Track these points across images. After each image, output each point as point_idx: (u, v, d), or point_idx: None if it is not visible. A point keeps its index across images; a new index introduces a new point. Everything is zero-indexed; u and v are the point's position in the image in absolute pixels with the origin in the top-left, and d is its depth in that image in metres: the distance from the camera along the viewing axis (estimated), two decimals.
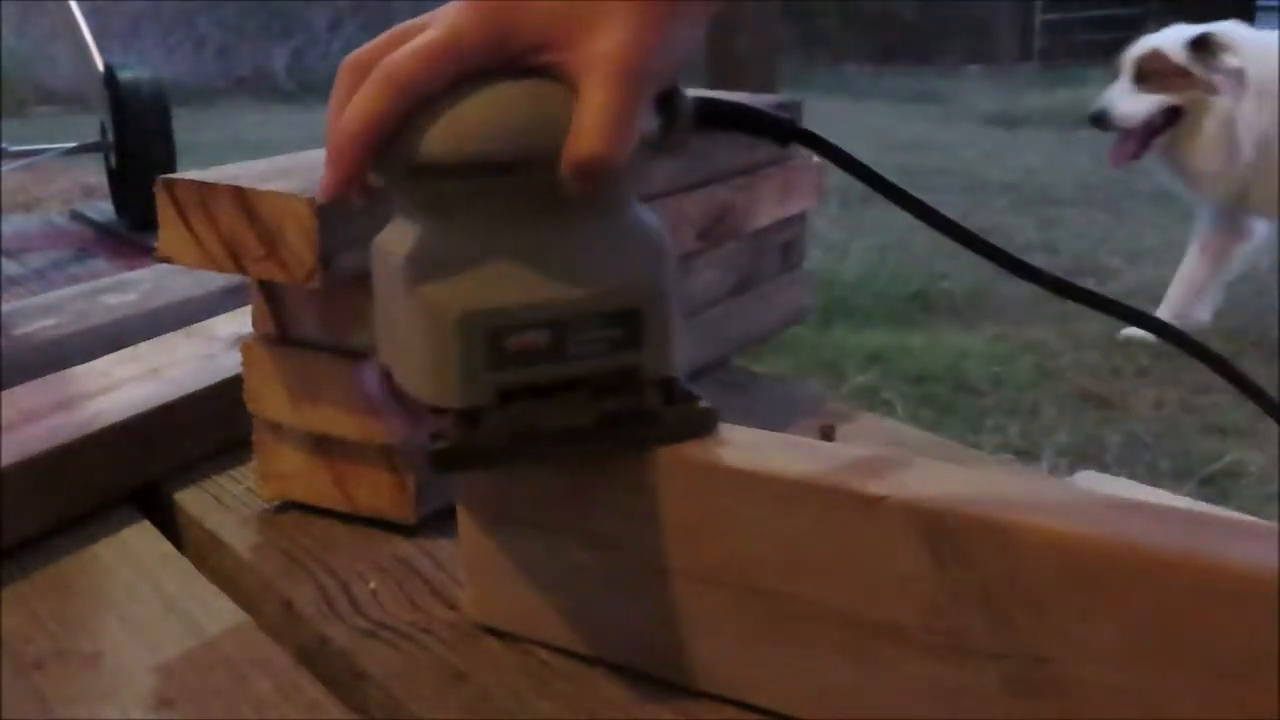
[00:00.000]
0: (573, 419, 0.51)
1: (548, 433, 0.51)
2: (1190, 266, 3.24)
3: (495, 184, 0.49)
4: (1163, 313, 3.09)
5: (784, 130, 0.57)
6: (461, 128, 0.48)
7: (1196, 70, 3.08)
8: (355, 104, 0.48)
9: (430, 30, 0.49)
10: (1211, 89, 3.06)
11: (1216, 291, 3.22)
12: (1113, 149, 3.21)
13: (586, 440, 0.51)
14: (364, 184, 0.51)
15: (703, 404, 0.53)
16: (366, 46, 0.51)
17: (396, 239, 0.52)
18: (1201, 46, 3.08)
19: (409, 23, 0.51)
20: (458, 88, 0.49)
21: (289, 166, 0.69)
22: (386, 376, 0.54)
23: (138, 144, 1.91)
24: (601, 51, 0.48)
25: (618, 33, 0.48)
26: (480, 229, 0.50)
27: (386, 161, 0.49)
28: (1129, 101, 3.12)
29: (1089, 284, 2.86)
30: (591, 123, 0.48)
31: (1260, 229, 3.24)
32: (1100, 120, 3.16)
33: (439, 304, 0.49)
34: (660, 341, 0.52)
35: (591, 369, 0.51)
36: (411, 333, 0.50)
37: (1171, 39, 3.14)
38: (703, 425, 0.53)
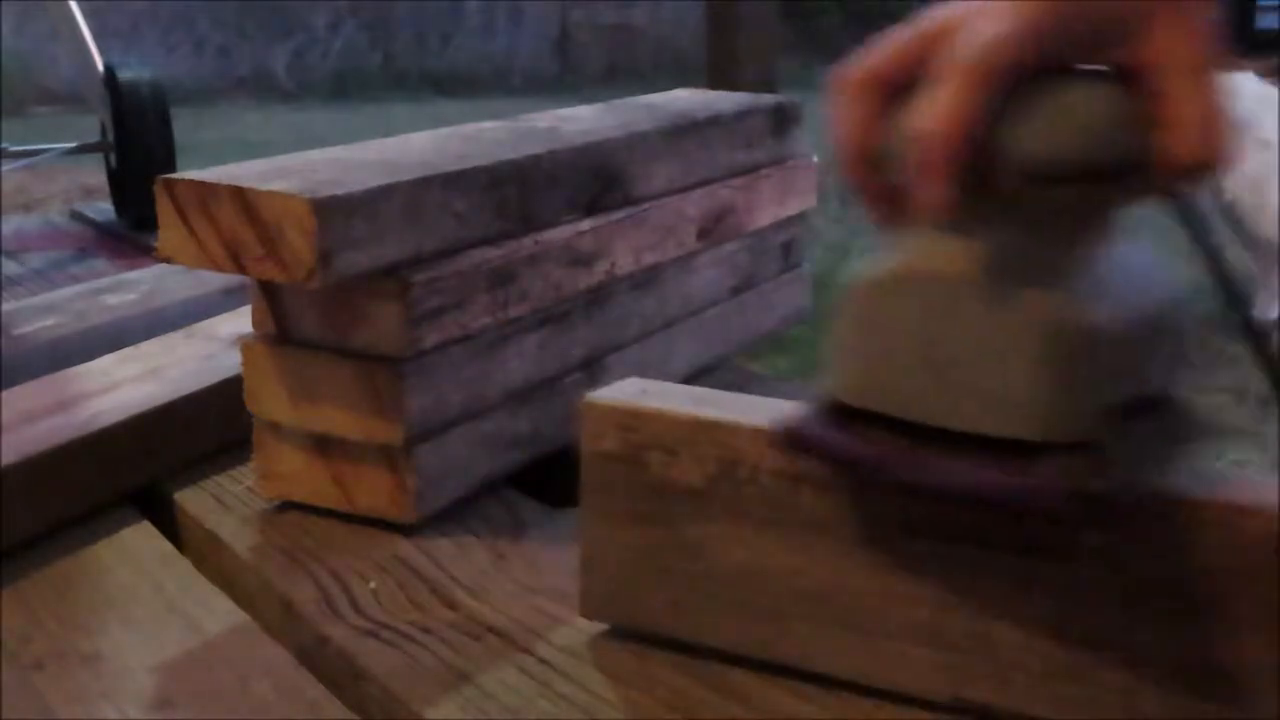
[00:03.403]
0: (1159, 442, 0.48)
1: (1148, 459, 0.47)
2: None
3: (1096, 192, 0.46)
4: None
5: None
6: (1090, 124, 0.44)
7: None
8: (944, 102, 0.44)
9: (987, 24, 0.44)
10: None
11: None
12: None
13: (1171, 464, 0.48)
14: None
15: (1203, 415, 0.51)
16: (865, 59, 0.47)
17: (952, 257, 0.46)
18: None
19: (917, 27, 0.46)
20: (1034, 81, 0.44)
21: (289, 166, 0.69)
22: (842, 419, 0.49)
23: (138, 144, 1.90)
24: (1186, 49, 0.45)
25: (1191, 27, 0.45)
26: (1068, 243, 0.46)
27: (997, 164, 0.44)
28: None
29: None
30: (1202, 126, 0.45)
31: None
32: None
33: (1070, 323, 0.45)
34: (1178, 356, 0.49)
35: (1149, 388, 0.48)
36: (1025, 359, 0.45)
37: None
38: (1212, 434, 0.50)
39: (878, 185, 0.48)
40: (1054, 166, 0.44)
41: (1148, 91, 0.45)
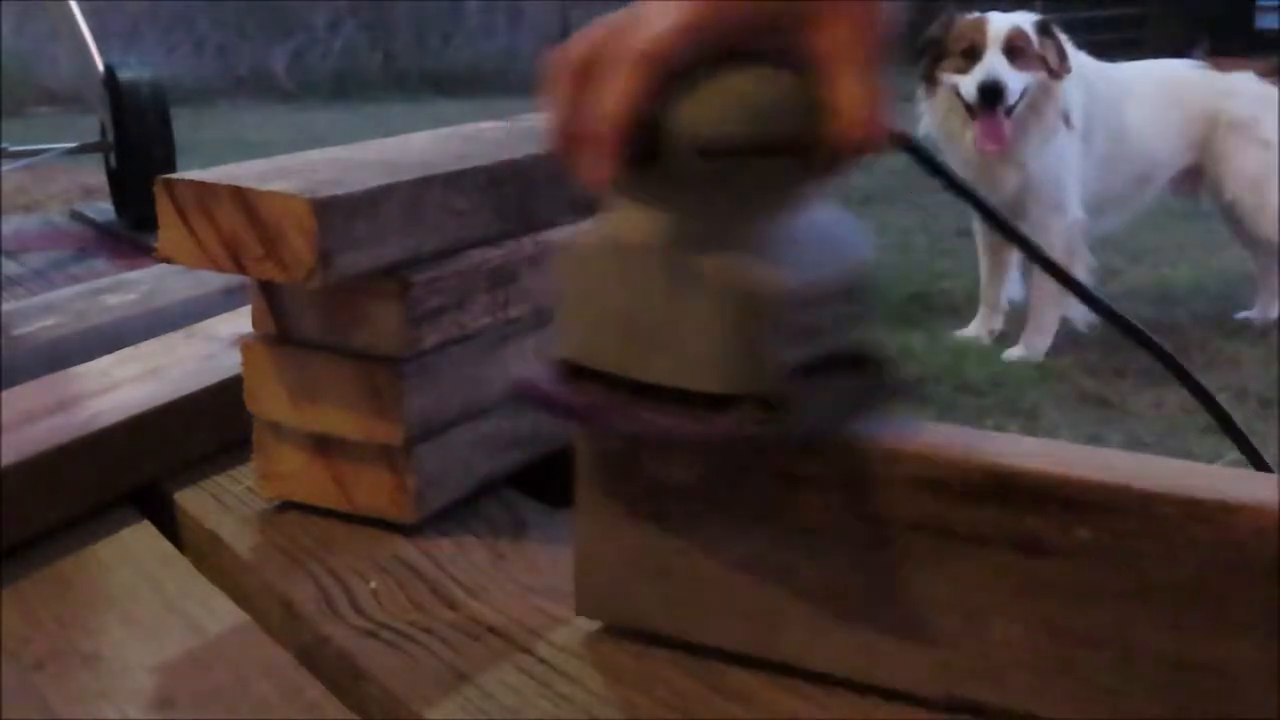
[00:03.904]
0: (844, 395, 0.52)
1: (828, 411, 0.52)
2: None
3: (767, 165, 0.50)
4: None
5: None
6: (755, 104, 0.49)
7: (1046, 53, 3.06)
8: (613, 86, 0.48)
9: (661, 14, 0.49)
10: (1055, 73, 3.05)
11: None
12: (991, 127, 3.03)
13: (853, 416, 0.53)
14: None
15: (903, 372, 0.55)
16: (577, 43, 0.51)
17: (641, 228, 0.51)
18: (1045, 31, 3.07)
19: (616, 16, 0.51)
20: (708, 68, 0.49)
21: (289, 166, 0.69)
22: (567, 375, 0.54)
23: (138, 144, 1.91)
24: (847, 38, 0.49)
25: (856, 17, 0.49)
26: (746, 213, 0.51)
27: (668, 142, 0.49)
28: (1012, 76, 3.01)
29: (1092, 280, 2.83)
30: (859, 111, 0.49)
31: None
32: (994, 92, 2.99)
33: (748, 287, 0.49)
34: (872, 316, 0.54)
35: (837, 345, 0.52)
36: (705, 319, 0.50)
37: (1020, 20, 3.11)
38: (913, 391, 0.54)
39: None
40: (717, 142, 0.49)
41: (817, 77, 0.49)
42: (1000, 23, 3.08)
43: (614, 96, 0.48)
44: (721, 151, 0.49)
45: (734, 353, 0.50)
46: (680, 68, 0.49)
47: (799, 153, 0.50)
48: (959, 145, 3.10)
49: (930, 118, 3.15)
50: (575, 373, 0.54)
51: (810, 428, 0.51)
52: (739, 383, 0.50)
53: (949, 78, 3.07)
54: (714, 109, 0.49)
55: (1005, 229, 0.60)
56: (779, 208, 0.51)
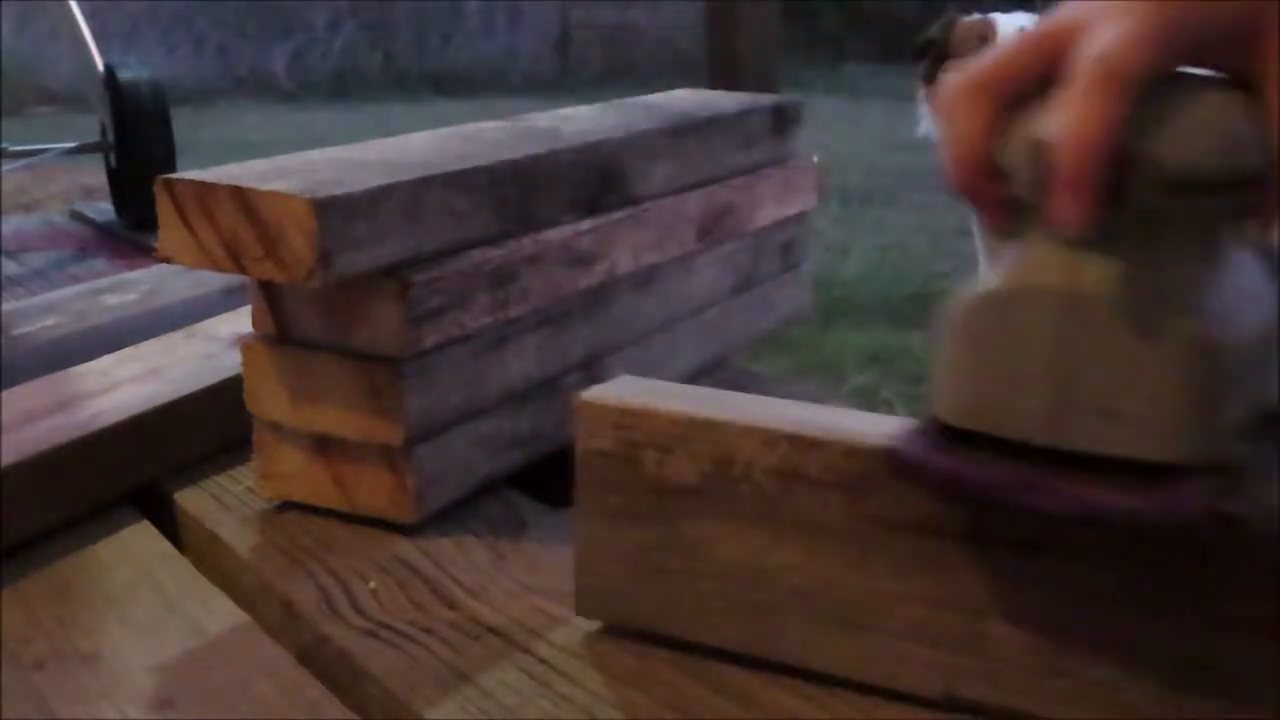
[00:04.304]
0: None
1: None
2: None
3: (1218, 204, 0.44)
4: None
5: None
6: (1226, 132, 0.43)
7: None
8: (1082, 112, 0.41)
9: (1114, 27, 0.42)
10: None
11: None
12: None
13: None
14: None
15: None
16: (981, 64, 0.45)
17: (1077, 275, 0.44)
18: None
19: (1029, 33, 0.45)
20: (1165, 91, 0.43)
21: (289, 166, 0.69)
22: (948, 440, 0.47)
23: (138, 144, 1.90)
24: None
25: None
26: (1201, 258, 0.45)
27: (1128, 175, 0.42)
28: None
29: None
30: None
31: None
32: None
33: (1215, 343, 0.43)
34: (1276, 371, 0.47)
35: (1263, 405, 0.46)
36: (1168, 379, 0.43)
37: (1024, 21, 3.10)
38: None
39: (993, 195, 0.46)
40: (1195, 176, 0.43)
41: (1263, 101, 0.43)
42: (1009, 23, 3.07)
43: (1085, 123, 0.41)
44: (1194, 186, 0.43)
45: (1191, 415, 0.43)
46: (1146, 87, 0.42)
47: (1265, 189, 0.43)
48: None
49: (932, 118, 3.15)
50: (956, 438, 0.47)
51: (1266, 496, 0.45)
52: (1199, 449, 0.43)
53: None
54: (1186, 136, 0.42)
55: None
56: (1229, 250, 0.45)
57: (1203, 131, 0.42)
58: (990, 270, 0.47)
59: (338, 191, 0.64)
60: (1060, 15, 0.45)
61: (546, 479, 0.75)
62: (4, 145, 2.04)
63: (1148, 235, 0.44)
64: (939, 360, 0.48)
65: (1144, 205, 0.43)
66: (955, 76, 0.45)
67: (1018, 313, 0.45)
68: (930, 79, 3.14)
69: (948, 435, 0.47)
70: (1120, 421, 0.44)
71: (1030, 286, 0.45)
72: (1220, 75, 0.44)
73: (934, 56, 3.15)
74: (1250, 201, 0.44)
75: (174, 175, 0.66)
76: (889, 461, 0.49)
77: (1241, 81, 0.43)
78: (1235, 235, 0.46)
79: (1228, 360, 0.43)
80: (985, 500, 0.47)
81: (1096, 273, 0.44)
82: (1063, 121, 0.42)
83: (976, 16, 3.13)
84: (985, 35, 3.08)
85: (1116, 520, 0.44)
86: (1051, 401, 0.45)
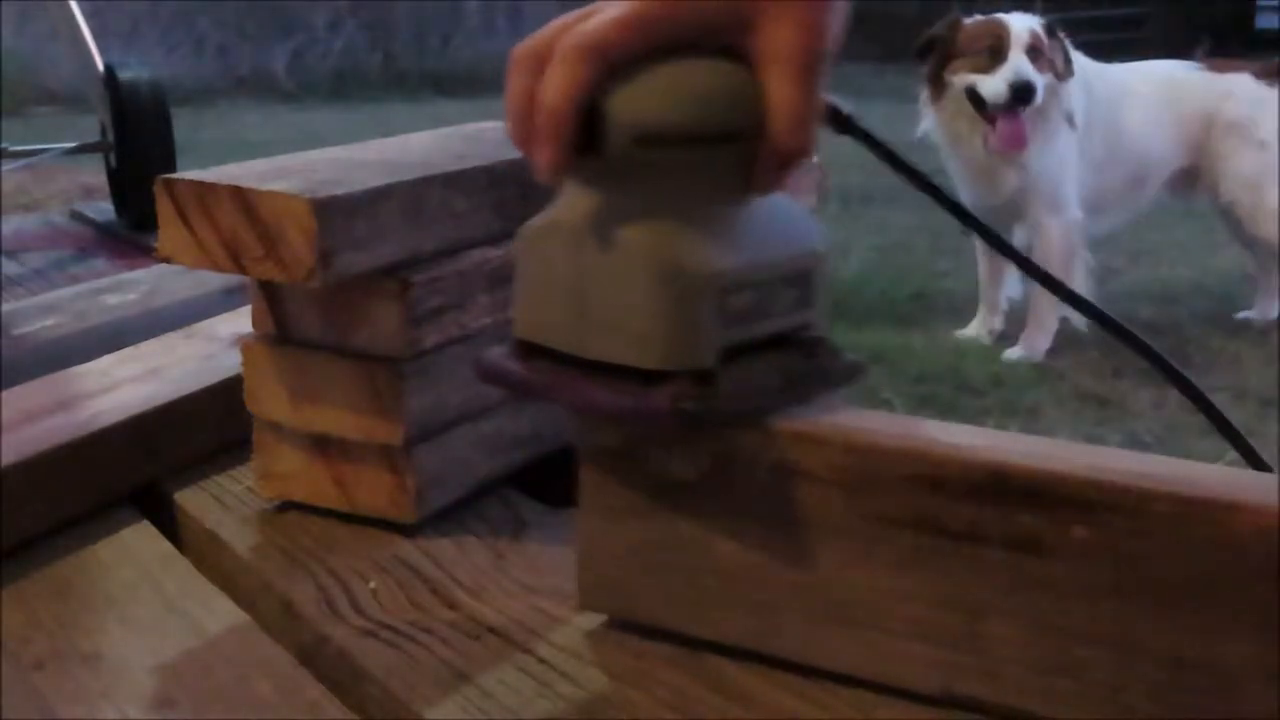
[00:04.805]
0: (778, 376, 0.54)
1: (761, 390, 0.54)
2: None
3: (705, 154, 0.52)
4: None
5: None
6: (691, 95, 0.51)
7: (1054, 54, 3.05)
8: (555, 77, 0.50)
9: (606, 10, 0.51)
10: (1060, 74, 3.04)
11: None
12: (1014, 128, 3.00)
13: (787, 397, 0.54)
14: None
15: (852, 357, 0.57)
16: (534, 37, 0.52)
17: (586, 211, 0.53)
18: (1052, 33, 3.06)
19: (573, 13, 0.52)
20: (654, 60, 0.51)
21: (289, 166, 0.69)
22: (523, 352, 0.56)
23: (138, 144, 1.91)
24: (786, 41, 0.50)
25: (798, 20, 0.50)
26: (686, 198, 0.52)
27: (605, 130, 0.51)
28: (1037, 77, 2.99)
29: (1091, 280, 2.82)
30: (790, 116, 0.51)
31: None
32: (1028, 92, 2.96)
33: (682, 267, 0.51)
34: (820, 304, 0.56)
35: (778, 328, 0.54)
36: (640, 298, 0.51)
37: (1034, 22, 3.10)
38: (858, 376, 0.57)
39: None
40: (651, 130, 0.51)
41: (755, 79, 0.51)
42: (1020, 23, 3.07)
43: (555, 86, 0.50)
44: (655, 140, 0.51)
45: (666, 329, 0.51)
46: (623, 61, 0.50)
47: (738, 144, 0.51)
48: (966, 146, 3.09)
49: (935, 118, 3.14)
50: (530, 351, 0.55)
51: (741, 406, 0.53)
52: (671, 359, 0.51)
53: (963, 78, 3.05)
54: (647, 97, 0.51)
55: (959, 212, 0.63)
56: (719, 196, 0.53)
57: (658, 91, 0.51)
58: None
59: (338, 191, 0.64)
60: (586, 7, 0.53)
61: (546, 479, 0.75)
62: (4, 145, 2.04)
63: (637, 180, 0.52)
64: (515, 284, 0.56)
65: (622, 154, 0.51)
66: (515, 47, 0.53)
67: (546, 243, 0.55)
68: (935, 78, 3.13)
69: (526, 348, 0.56)
70: (612, 334, 0.52)
71: (554, 221, 0.54)
72: (714, 52, 0.51)
73: (938, 56, 3.15)
74: (722, 157, 0.52)
75: (174, 175, 0.66)
76: (476, 370, 0.57)
77: (742, 57, 0.51)
78: (722, 185, 0.53)
79: (697, 281, 0.51)
80: (531, 397, 0.59)
81: (598, 209, 0.53)
82: (544, 84, 0.51)
83: (990, 16, 3.13)
84: (999, 34, 3.08)
85: (607, 415, 0.55)
86: (575, 318, 0.54)
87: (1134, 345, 0.59)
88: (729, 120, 0.51)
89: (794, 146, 0.51)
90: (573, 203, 0.54)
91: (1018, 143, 3.02)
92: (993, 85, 3.00)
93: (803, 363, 0.55)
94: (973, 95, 3.04)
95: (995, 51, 3.03)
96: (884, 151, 0.58)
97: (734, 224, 0.53)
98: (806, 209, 0.56)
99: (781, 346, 0.55)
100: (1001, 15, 3.10)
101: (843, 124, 0.57)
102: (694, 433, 0.54)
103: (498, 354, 0.57)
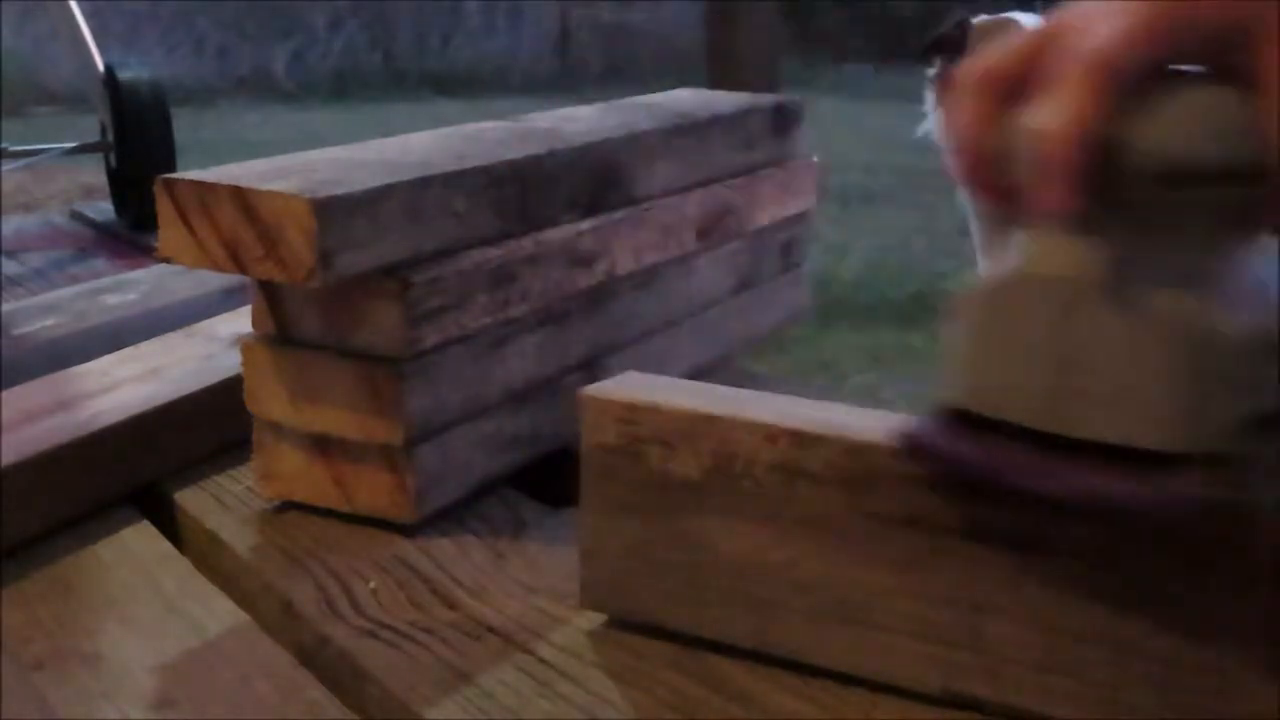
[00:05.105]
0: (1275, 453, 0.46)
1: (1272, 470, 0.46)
2: None
3: (1230, 195, 0.44)
4: None
5: None
6: (1228, 124, 0.43)
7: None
8: (1058, 104, 0.43)
9: (1109, 17, 0.44)
10: None
11: None
12: None
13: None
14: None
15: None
16: (987, 57, 0.47)
17: (1080, 263, 0.45)
18: None
19: (1024, 27, 0.47)
20: (1164, 83, 0.44)
21: (289, 166, 0.69)
22: (958, 424, 0.48)
23: (138, 144, 1.90)
24: None
25: None
26: (1203, 248, 0.45)
27: (1123, 164, 0.44)
28: None
29: None
30: None
31: None
32: None
33: (1210, 330, 0.44)
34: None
35: (1269, 399, 0.46)
36: (1158, 366, 0.44)
37: (1031, 23, 3.07)
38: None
39: (996, 184, 0.47)
40: (1187, 167, 0.44)
41: (1259, 98, 0.43)
42: (1031, 23, 3.05)
43: (1072, 112, 0.43)
44: (1188, 177, 0.44)
45: (1189, 404, 0.44)
46: (1135, 80, 0.43)
47: (1264, 181, 0.44)
48: None
49: (938, 117, 3.13)
50: (965, 424, 0.48)
51: (1268, 489, 0.46)
52: (1193, 438, 0.44)
53: None
54: (1178, 128, 0.43)
55: None
56: (1234, 244, 0.46)
57: (1190, 122, 0.43)
58: (986, 263, 0.48)
59: (338, 191, 0.64)
60: (1060, 15, 0.46)
61: (546, 479, 0.75)
62: (4, 145, 2.04)
63: (1145, 226, 0.45)
64: (950, 348, 0.48)
65: (1137, 195, 0.44)
66: (964, 67, 0.47)
67: (1020, 300, 0.46)
68: (944, 79, 3.12)
69: (958, 421, 0.48)
70: (1117, 409, 0.44)
71: (1032, 275, 0.46)
72: (1217, 72, 0.44)
73: (948, 56, 3.14)
74: (1250, 197, 0.44)
75: (174, 175, 0.66)
76: (903, 445, 0.50)
77: (1239, 79, 0.44)
78: (1238, 231, 0.46)
79: (1223, 351, 0.44)
80: (990, 483, 0.47)
81: (1096, 260, 0.45)
82: (1049, 111, 0.43)
83: (989, 16, 3.11)
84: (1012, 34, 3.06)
85: (1111, 506, 0.45)
86: (1052, 388, 0.45)
87: None
88: (1250, 154, 0.43)
89: None
90: (1054, 253, 0.46)
91: None
92: None
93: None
94: None
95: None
96: None
97: (1240, 280, 0.46)
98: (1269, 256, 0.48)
99: (1270, 422, 0.46)
100: (1011, 14, 3.10)
101: None
102: (1212, 525, 0.46)
103: (930, 429, 0.49)
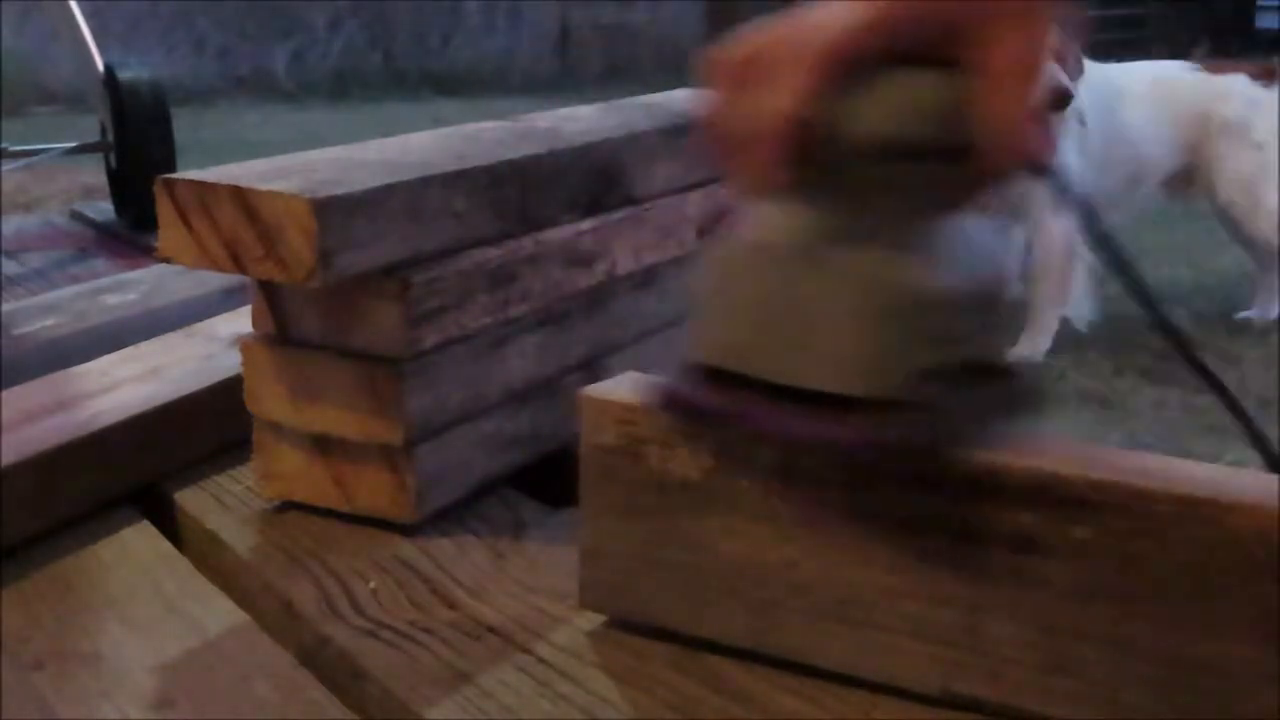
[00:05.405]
0: (984, 405, 0.51)
1: (972, 419, 0.51)
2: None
3: (934, 170, 0.49)
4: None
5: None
6: (933, 106, 0.48)
7: (1066, 54, 3.01)
8: (789, 83, 0.48)
9: (837, 15, 0.49)
10: (1072, 74, 3.00)
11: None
12: (1046, 132, 3.00)
13: (989, 424, 0.51)
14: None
15: (1035, 383, 0.54)
16: (739, 44, 0.50)
17: (798, 230, 0.50)
18: (1065, 33, 3.04)
19: (773, 20, 0.50)
20: (882, 69, 0.48)
21: (289, 166, 0.69)
22: (705, 377, 0.52)
23: (138, 144, 1.91)
24: (1012, 56, 0.48)
25: (1024, 33, 0.48)
26: (905, 216, 0.50)
27: (839, 141, 0.48)
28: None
29: (1091, 280, 2.81)
30: (1008, 128, 0.48)
31: None
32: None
33: (891, 282, 0.49)
34: (1006, 328, 0.54)
35: (969, 354, 0.51)
36: (845, 317, 0.49)
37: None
38: (1044, 403, 0.54)
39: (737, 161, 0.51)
40: (896, 144, 0.48)
41: (976, 91, 0.48)
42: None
43: (789, 94, 0.48)
44: (897, 153, 0.48)
45: (872, 354, 0.49)
46: (855, 70, 0.48)
47: (958, 160, 0.49)
48: None
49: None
50: (714, 376, 0.52)
51: (945, 436, 0.50)
52: (876, 386, 0.49)
53: None
54: (892, 110, 0.48)
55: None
56: (934, 213, 0.51)
57: (901, 105, 0.48)
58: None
59: (338, 191, 0.64)
60: (801, 11, 0.51)
61: (546, 479, 0.75)
62: (4, 145, 2.04)
63: (863, 197, 0.50)
64: (694, 308, 0.53)
65: (854, 169, 0.49)
66: (714, 55, 0.51)
67: (745, 263, 0.52)
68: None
69: (708, 374, 0.52)
70: (817, 359, 0.49)
71: (752, 240, 0.52)
72: (943, 63, 0.48)
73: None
74: (954, 172, 0.49)
75: (174, 175, 0.66)
76: (656, 398, 0.54)
77: (961, 68, 0.48)
78: (945, 203, 0.51)
79: (905, 301, 0.49)
80: (723, 425, 0.53)
81: (805, 227, 0.50)
82: (764, 94, 0.48)
83: None
84: None
85: (806, 444, 0.52)
86: (773, 342, 0.50)
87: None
88: (949, 135, 0.48)
89: (1010, 159, 0.49)
90: (769, 221, 0.51)
91: (1048, 146, 2.99)
92: None
93: (997, 390, 0.52)
94: None
95: None
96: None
97: (938, 244, 0.50)
98: (996, 228, 0.54)
99: (972, 373, 0.51)
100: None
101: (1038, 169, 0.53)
102: (881, 460, 0.51)
103: (678, 380, 0.54)
